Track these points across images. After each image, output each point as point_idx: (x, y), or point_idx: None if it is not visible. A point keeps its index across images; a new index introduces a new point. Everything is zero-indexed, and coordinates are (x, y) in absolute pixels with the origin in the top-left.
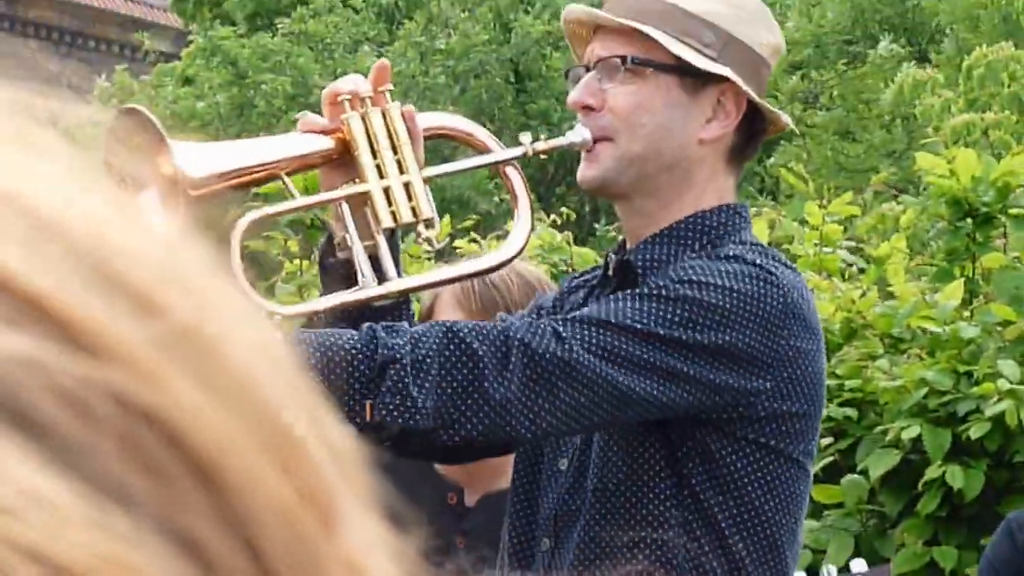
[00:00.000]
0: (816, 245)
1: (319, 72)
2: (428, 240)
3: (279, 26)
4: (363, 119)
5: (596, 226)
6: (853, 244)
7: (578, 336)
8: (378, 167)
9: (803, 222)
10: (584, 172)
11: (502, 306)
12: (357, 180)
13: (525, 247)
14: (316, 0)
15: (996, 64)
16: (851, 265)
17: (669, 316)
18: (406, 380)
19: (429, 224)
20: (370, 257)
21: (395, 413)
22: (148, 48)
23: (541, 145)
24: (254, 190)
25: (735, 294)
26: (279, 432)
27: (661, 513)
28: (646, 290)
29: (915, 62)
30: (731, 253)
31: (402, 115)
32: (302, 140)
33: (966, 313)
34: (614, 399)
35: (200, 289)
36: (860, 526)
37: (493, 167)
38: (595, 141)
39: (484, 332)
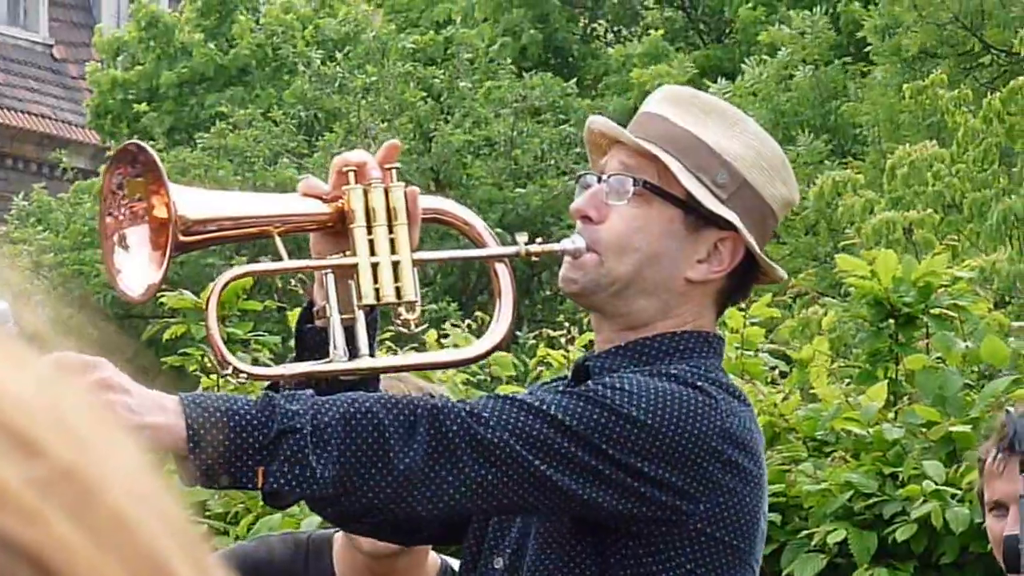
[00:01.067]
0: (737, 348)
1: (239, 185)
2: (406, 323)
3: (198, 140)
4: (364, 192)
5: (517, 333)
6: (775, 347)
7: (498, 414)
8: (371, 242)
9: (723, 325)
10: (566, 273)
11: None
12: (347, 253)
13: (505, 343)
14: (235, 114)
15: (920, 163)
16: (774, 368)
17: (596, 420)
18: (305, 450)
19: (411, 307)
20: (346, 331)
21: (293, 483)
22: (65, 166)
23: (535, 248)
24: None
25: (664, 416)
26: (154, 568)
27: None
28: (580, 389)
29: (837, 160)
30: (674, 372)
31: (404, 195)
32: (300, 202)
33: (890, 415)
34: (528, 483)
35: (80, 430)
36: None
37: (484, 261)
38: (586, 250)
39: (391, 403)
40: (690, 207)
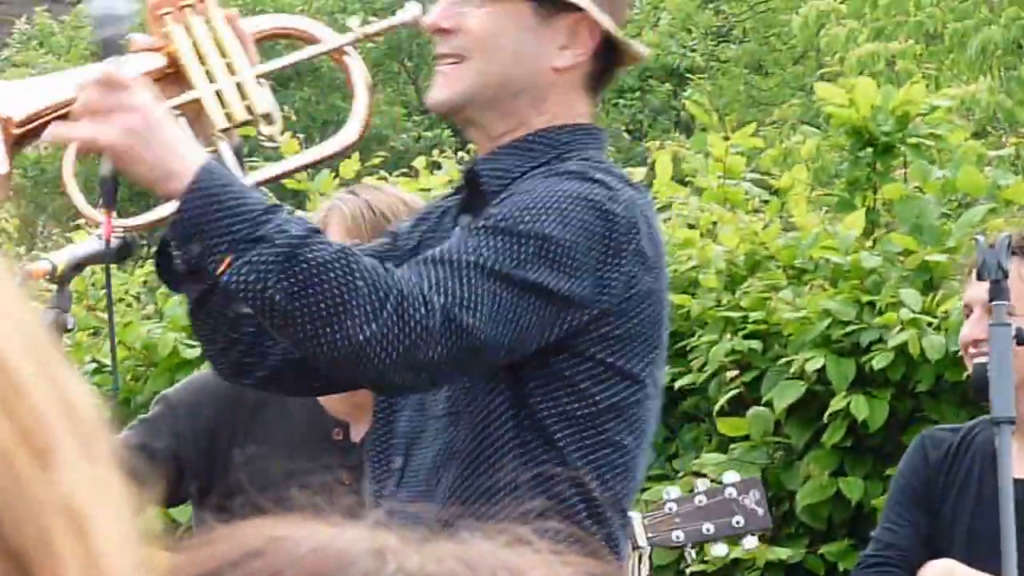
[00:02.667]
0: (720, 177)
1: None
2: (270, 137)
3: None
4: (185, 28)
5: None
6: (757, 176)
7: (431, 279)
8: (207, 73)
9: (707, 155)
10: (435, 94)
11: None
12: (189, 90)
13: (363, 131)
14: None
15: None
16: (755, 198)
17: (513, 251)
18: (270, 268)
19: (268, 120)
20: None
21: (244, 288)
22: None
23: (372, 28)
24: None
25: (573, 222)
26: (41, 432)
27: (505, 435)
28: (490, 223)
29: None
30: (572, 168)
31: (225, 18)
32: (134, 62)
33: (868, 243)
34: (469, 346)
35: None
36: (767, 459)
37: (330, 55)
38: (450, 62)
39: (375, 273)
40: None
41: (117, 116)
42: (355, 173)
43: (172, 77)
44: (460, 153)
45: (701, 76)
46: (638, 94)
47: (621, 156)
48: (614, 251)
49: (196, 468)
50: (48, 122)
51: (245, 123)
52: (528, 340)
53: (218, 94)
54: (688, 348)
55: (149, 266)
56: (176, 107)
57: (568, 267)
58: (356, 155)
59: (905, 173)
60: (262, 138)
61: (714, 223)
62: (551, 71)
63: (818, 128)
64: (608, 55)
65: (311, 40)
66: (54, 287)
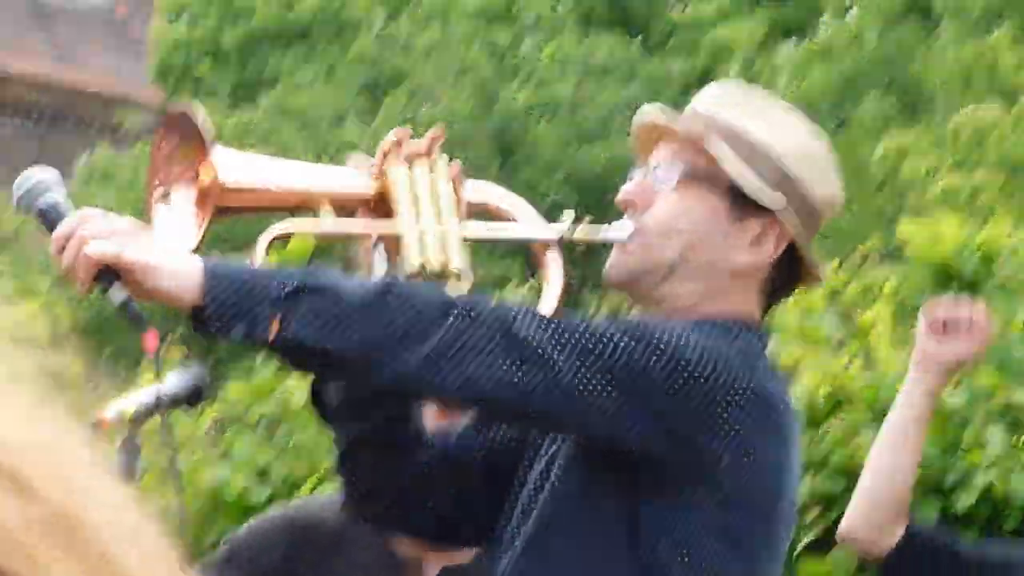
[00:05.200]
0: (800, 314)
1: (303, 147)
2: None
3: (261, 101)
4: (408, 167)
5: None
6: (838, 312)
7: (534, 318)
8: (416, 214)
9: None
10: (613, 264)
11: None
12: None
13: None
14: (299, 73)
15: (983, 125)
16: (836, 335)
17: (631, 344)
18: (333, 308)
19: (459, 278)
20: None
21: (315, 336)
22: (128, 126)
23: (580, 234)
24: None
25: (703, 358)
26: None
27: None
28: (622, 318)
29: (904, 120)
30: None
31: (450, 175)
32: (345, 174)
33: (952, 382)
34: (557, 389)
35: (69, 469)
36: None
37: (529, 244)
38: (632, 237)
39: (426, 287)
40: (734, 194)
41: (116, 238)
42: None
43: (375, 207)
44: (531, 281)
45: None
46: None
47: None
48: (730, 401)
49: None
50: (257, 199)
51: (436, 274)
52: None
53: (420, 237)
54: None
55: (218, 406)
56: (378, 235)
57: (677, 389)
58: None
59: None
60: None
61: (796, 361)
62: (730, 267)
63: (899, 258)
64: (790, 267)
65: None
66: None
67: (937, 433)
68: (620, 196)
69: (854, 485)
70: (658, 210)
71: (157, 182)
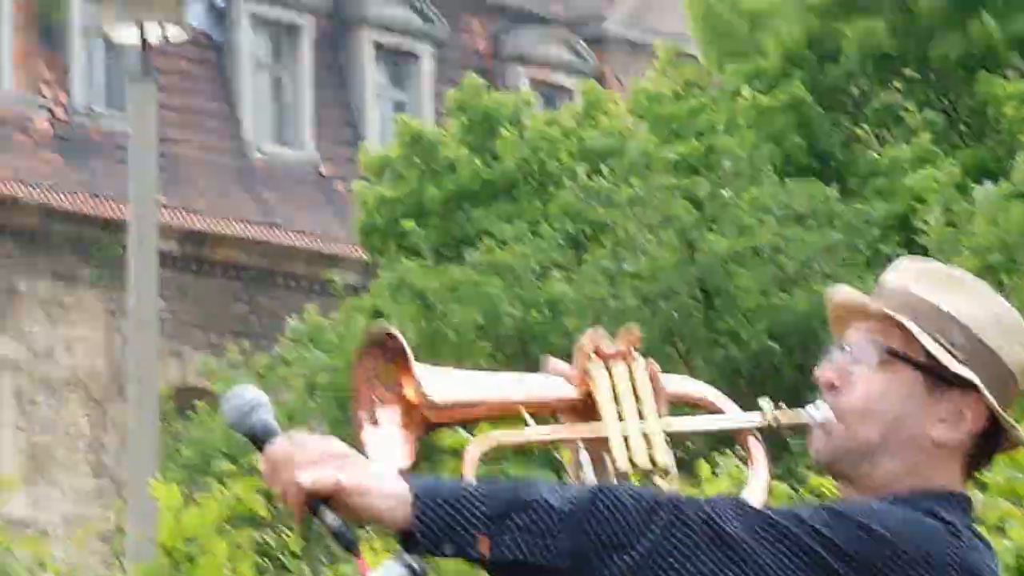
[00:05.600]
0: (1005, 471)
1: (508, 301)
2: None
3: (466, 257)
4: (608, 368)
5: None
6: None
7: (740, 511)
8: (619, 414)
9: None
10: (817, 445)
11: None
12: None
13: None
14: (503, 229)
15: None
16: None
17: (839, 528)
18: (541, 523)
19: (665, 475)
20: None
21: (527, 552)
22: (336, 285)
23: (783, 418)
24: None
25: (905, 536)
26: None
27: None
28: (823, 503)
29: None
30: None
31: (648, 372)
32: (545, 382)
33: None
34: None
35: None
36: None
37: (732, 433)
38: (832, 419)
39: (632, 488)
40: (930, 370)
41: (325, 463)
42: None
43: (579, 411)
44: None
45: None
46: None
47: None
48: None
49: None
50: (463, 415)
51: (644, 471)
52: None
53: (625, 438)
54: None
55: None
56: (581, 440)
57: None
58: None
59: None
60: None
61: (1002, 518)
62: (931, 443)
63: None
64: (989, 437)
65: (712, 410)
66: None
67: None
68: (818, 374)
69: None
70: (858, 392)
71: (363, 406)
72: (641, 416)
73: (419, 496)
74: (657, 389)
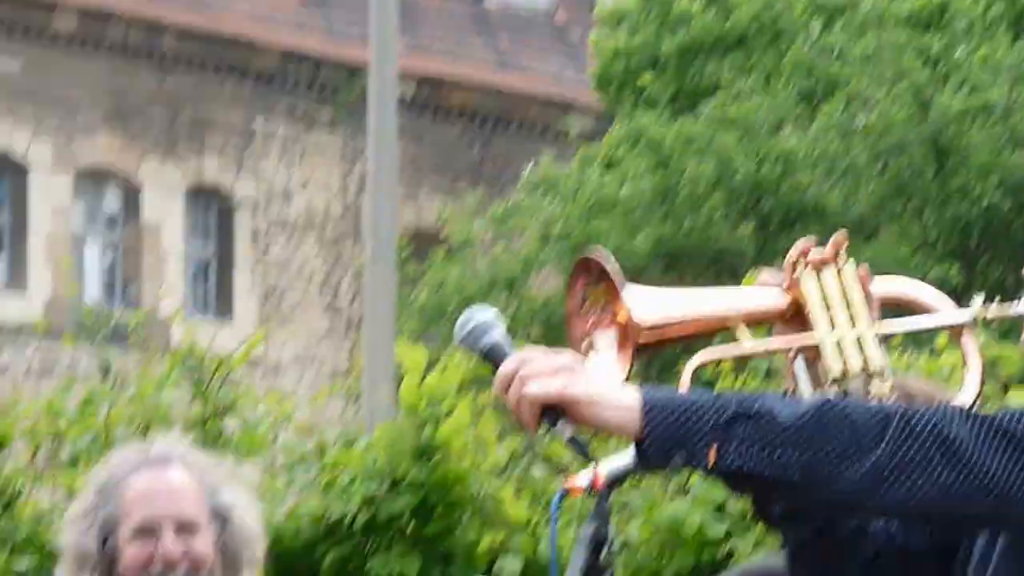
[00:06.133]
0: None
1: (743, 154)
2: (879, 396)
3: (700, 109)
4: (818, 274)
5: None
6: None
7: (970, 421)
8: (830, 320)
9: None
10: None
11: None
12: (808, 334)
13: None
14: (737, 82)
15: None
16: None
17: None
18: (769, 434)
19: (880, 377)
20: None
21: (753, 463)
22: (571, 133)
23: (993, 312)
24: None
25: None
26: None
27: None
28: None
29: None
30: None
31: (857, 276)
32: (755, 293)
33: None
34: (999, 495)
35: None
36: None
37: (945, 330)
38: None
39: (860, 403)
40: None
41: (559, 375)
42: None
43: (790, 320)
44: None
45: None
46: None
47: None
48: None
49: None
50: (675, 332)
51: (857, 375)
52: None
53: (837, 343)
54: None
55: None
56: (795, 349)
57: None
58: None
59: None
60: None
61: None
62: None
63: None
64: None
65: (925, 308)
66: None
67: None
68: None
69: None
70: None
71: (578, 328)
72: (853, 321)
73: (648, 406)
74: (868, 292)
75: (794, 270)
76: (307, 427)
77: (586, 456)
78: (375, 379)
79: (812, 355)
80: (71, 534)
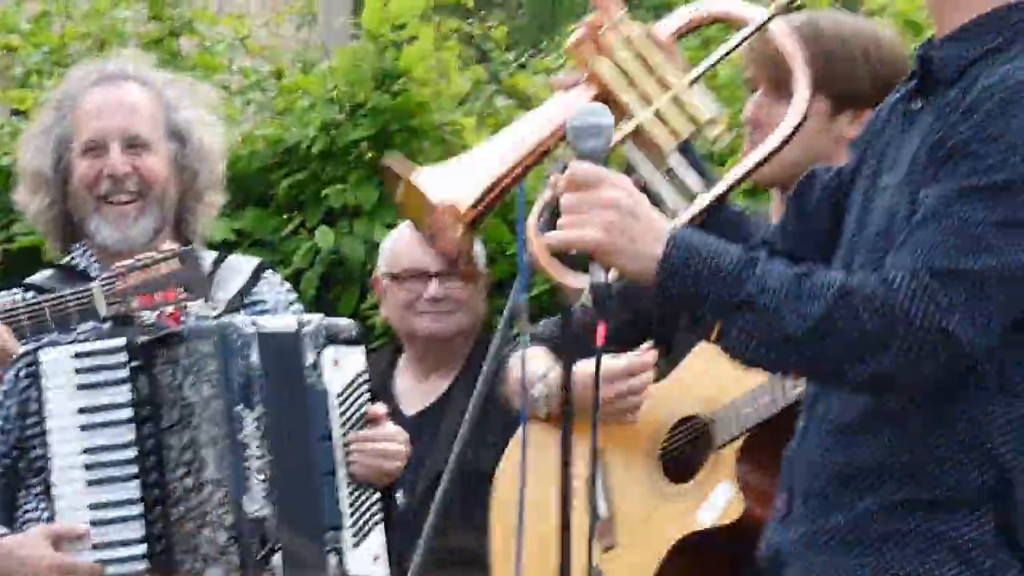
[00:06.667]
0: None
1: None
2: (718, 138)
3: None
4: (609, 55)
5: None
6: None
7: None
8: (639, 96)
9: None
10: None
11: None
12: (627, 118)
13: (807, 112)
14: None
15: None
16: None
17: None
18: (769, 323)
19: (712, 124)
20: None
21: (741, 351)
22: None
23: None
24: None
25: None
26: None
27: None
28: (980, 182)
29: None
30: None
31: (644, 34)
32: (561, 103)
33: None
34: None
35: None
36: None
37: (756, 35)
38: None
39: (872, 298)
40: None
41: (597, 214)
42: None
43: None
44: None
45: None
46: None
47: None
48: None
49: None
50: (495, 197)
51: (692, 135)
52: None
53: (657, 114)
54: None
55: None
56: (622, 138)
57: None
58: None
59: None
60: (711, 141)
61: None
62: None
63: None
64: None
65: (733, 20)
66: None
67: None
68: None
69: None
70: None
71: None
72: (662, 84)
73: (664, 264)
74: (663, 45)
75: (583, 57)
76: (263, 50)
77: (604, 311)
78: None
79: (641, 136)
80: (27, 153)
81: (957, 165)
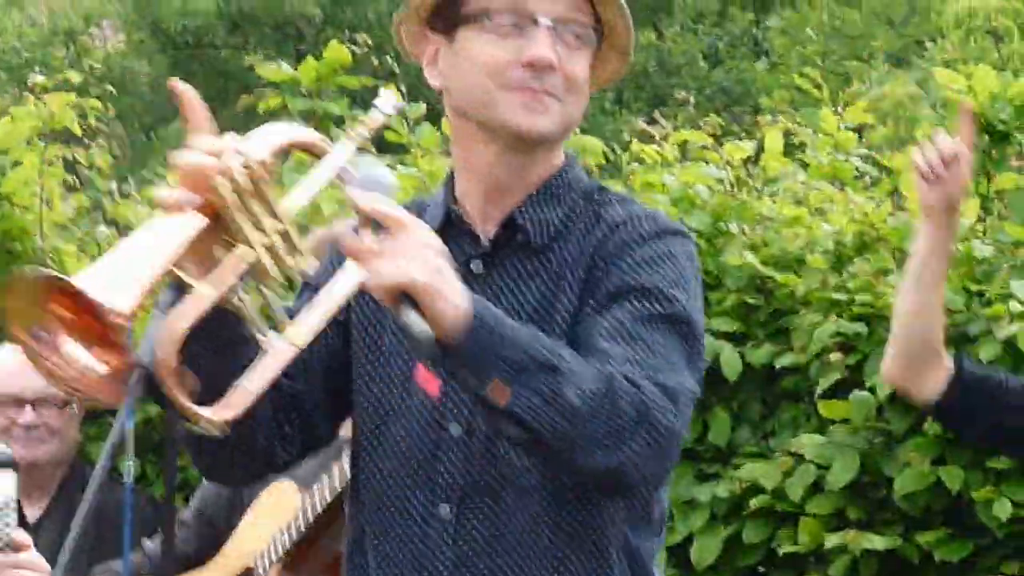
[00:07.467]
0: (830, 154)
1: None
2: (302, 273)
3: None
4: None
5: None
6: (868, 153)
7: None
8: (254, 225)
9: (818, 128)
10: (542, 123)
11: None
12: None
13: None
14: None
15: None
16: (864, 175)
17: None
18: (566, 392)
19: (308, 263)
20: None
21: (540, 416)
22: None
23: (365, 128)
24: None
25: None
26: None
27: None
28: (652, 310)
29: None
30: (664, 226)
31: (244, 170)
32: (178, 225)
33: (979, 231)
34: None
35: None
36: (866, 443)
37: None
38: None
39: (631, 392)
40: None
41: (420, 254)
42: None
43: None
44: None
45: (791, 7)
46: (717, 19)
47: (696, 83)
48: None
49: None
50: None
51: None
52: None
53: (268, 249)
54: (791, 328)
55: None
56: (243, 271)
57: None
58: None
59: (1021, 165)
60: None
61: (824, 202)
62: None
63: (900, 66)
64: None
65: (315, 150)
66: None
67: (962, 282)
68: (538, 54)
69: (875, 330)
70: (575, 73)
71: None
72: (273, 215)
73: (475, 314)
74: (259, 179)
75: (187, 182)
76: None
77: (419, 353)
78: None
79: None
80: None
81: None
